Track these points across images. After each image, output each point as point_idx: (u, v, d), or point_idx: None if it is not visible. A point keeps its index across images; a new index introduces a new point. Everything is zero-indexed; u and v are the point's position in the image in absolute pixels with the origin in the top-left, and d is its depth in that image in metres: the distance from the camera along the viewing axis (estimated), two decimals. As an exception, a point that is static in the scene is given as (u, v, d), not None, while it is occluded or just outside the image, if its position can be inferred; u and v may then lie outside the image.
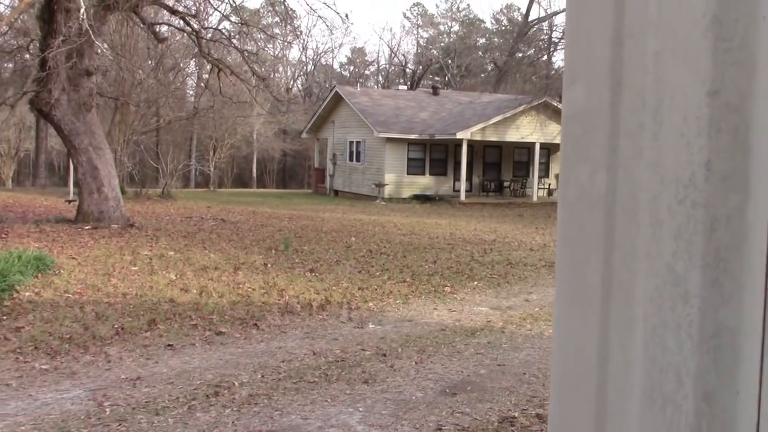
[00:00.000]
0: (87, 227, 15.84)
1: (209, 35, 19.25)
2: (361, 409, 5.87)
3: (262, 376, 6.60)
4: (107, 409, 5.66)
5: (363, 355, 7.43)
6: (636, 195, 0.80)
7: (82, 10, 12.05)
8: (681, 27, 0.75)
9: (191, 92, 47.07)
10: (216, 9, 20.66)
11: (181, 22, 18.88)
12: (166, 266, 11.80)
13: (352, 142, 34.89)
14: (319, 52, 76.05)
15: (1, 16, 10.81)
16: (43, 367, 6.70)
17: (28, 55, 22.60)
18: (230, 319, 8.64)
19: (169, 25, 20.36)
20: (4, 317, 8.18)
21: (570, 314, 0.95)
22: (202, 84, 29.31)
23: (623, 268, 0.82)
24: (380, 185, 31.38)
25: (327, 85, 62.58)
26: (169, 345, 7.56)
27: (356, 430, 5.43)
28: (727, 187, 0.73)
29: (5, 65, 35.05)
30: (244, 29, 19.60)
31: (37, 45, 17.55)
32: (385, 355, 7.41)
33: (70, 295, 9.36)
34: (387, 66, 72.87)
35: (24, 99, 18.38)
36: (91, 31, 14.64)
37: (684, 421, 0.79)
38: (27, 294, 9.21)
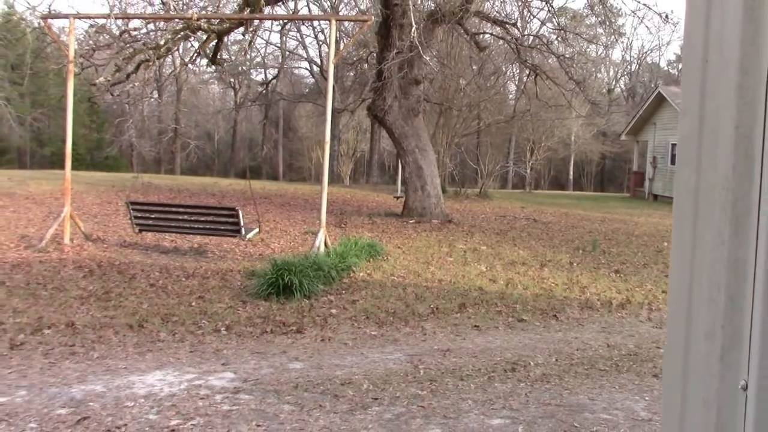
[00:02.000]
0: (411, 221, 17.57)
1: (528, 42, 20.08)
2: (647, 398, 6.23)
3: (556, 360, 7.22)
4: (421, 371, 6.71)
5: (657, 352, 7.69)
6: (704, 184, 1.37)
7: (413, 29, 13.50)
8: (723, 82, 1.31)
9: (512, 96, 48.52)
10: (535, 16, 21.42)
11: (502, 30, 19.98)
12: (478, 259, 12.83)
13: (674, 144, 33.54)
14: (645, 50, 73.16)
15: (350, 33, 12.73)
16: (372, 333, 8.01)
17: (366, 65, 25.33)
18: (532, 309, 9.36)
19: (491, 34, 21.59)
20: (344, 291, 9.77)
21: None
22: (521, 88, 30.25)
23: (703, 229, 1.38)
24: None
25: (652, 85, 60.22)
26: (475, 326, 8.49)
27: (640, 416, 5.83)
28: (742, 180, 1.27)
29: (347, 74, 39.37)
30: (562, 34, 20.14)
31: (374, 57, 19.74)
32: (679, 353, 7.59)
33: (395, 278, 10.77)
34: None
35: (362, 105, 20.76)
36: (420, 46, 16.24)
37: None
38: (361, 274, 10.79)
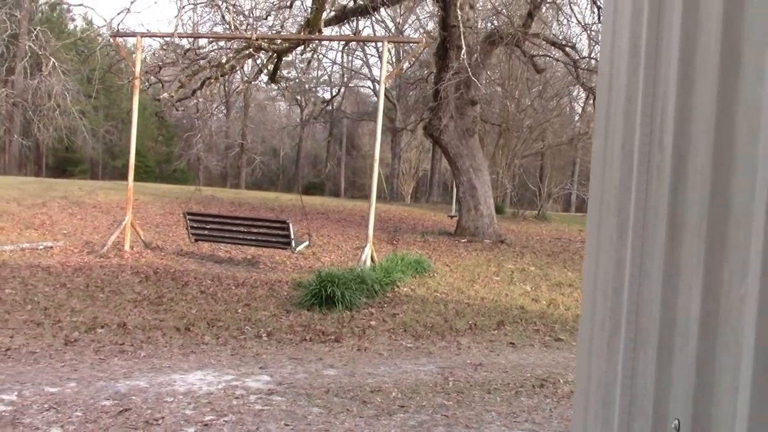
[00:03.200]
0: (463, 240, 17.73)
1: (586, 65, 20.10)
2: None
3: (587, 378, 7.30)
4: (450, 383, 6.90)
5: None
6: (605, 194, 1.60)
7: (463, 51, 13.76)
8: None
9: (578, 117, 48.14)
10: (595, 42, 21.40)
11: (561, 53, 20.04)
12: (525, 279, 12.92)
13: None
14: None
15: (413, 52, 13.09)
16: (408, 345, 8.23)
17: (427, 85, 25.64)
18: (571, 329, 9.43)
19: (549, 56, 21.67)
20: (386, 305, 10.02)
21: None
22: (583, 110, 30.14)
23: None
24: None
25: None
26: (511, 343, 8.63)
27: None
28: (625, 191, 1.48)
29: (410, 93, 39.77)
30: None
31: (432, 78, 20.04)
32: None
33: (438, 294, 10.97)
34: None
35: (421, 124, 21.04)
36: (474, 67, 16.46)
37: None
38: (405, 289, 11.03)
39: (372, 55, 39.57)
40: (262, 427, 5.49)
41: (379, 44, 44.11)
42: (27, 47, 29.62)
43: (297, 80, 41.08)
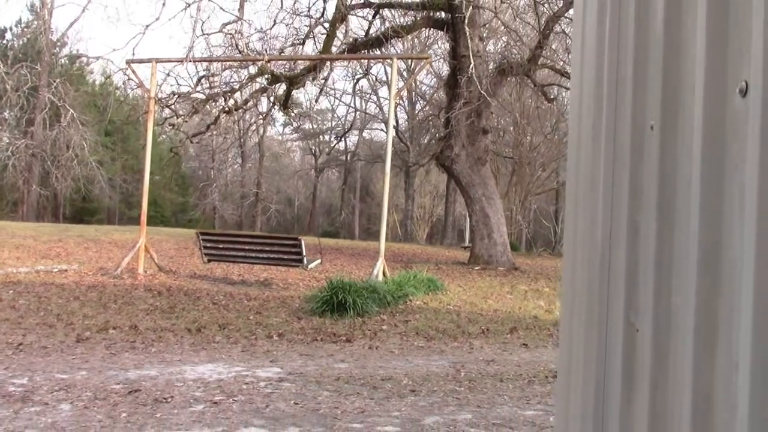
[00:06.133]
0: (477, 268, 17.66)
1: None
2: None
3: (601, 371, 7.21)
4: (462, 374, 6.83)
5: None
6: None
7: (471, 72, 13.93)
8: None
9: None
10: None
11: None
12: (538, 297, 12.84)
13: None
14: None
15: (425, 95, 13.38)
16: (420, 345, 8.18)
17: (439, 121, 25.93)
18: (585, 334, 9.33)
19: (560, 86, 21.86)
20: (398, 314, 9.98)
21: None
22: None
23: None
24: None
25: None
26: (524, 344, 8.55)
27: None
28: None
29: (423, 136, 40.13)
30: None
31: (443, 110, 20.25)
32: None
33: (451, 306, 10.92)
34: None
35: (434, 160, 21.16)
36: (486, 95, 16.64)
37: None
38: (417, 303, 10.99)
39: (384, 98, 39.94)
40: (271, 405, 5.45)
41: (393, 87, 44.68)
42: (47, 99, 30.29)
43: (308, 111, 41.57)
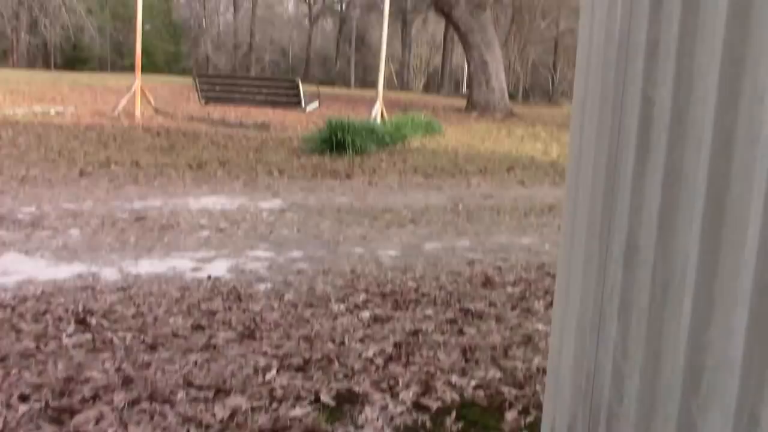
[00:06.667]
0: (473, 114, 17.63)
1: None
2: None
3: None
4: (460, 206, 6.99)
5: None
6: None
7: None
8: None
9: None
10: None
11: None
12: (535, 140, 12.90)
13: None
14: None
15: None
16: (418, 182, 8.31)
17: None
18: (581, 174, 9.46)
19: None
20: (397, 153, 10.07)
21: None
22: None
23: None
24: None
25: None
26: (520, 182, 8.69)
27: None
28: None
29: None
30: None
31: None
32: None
33: (449, 148, 11.00)
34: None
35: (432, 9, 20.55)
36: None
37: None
38: (415, 144, 11.06)
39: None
40: (275, 232, 5.61)
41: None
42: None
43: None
